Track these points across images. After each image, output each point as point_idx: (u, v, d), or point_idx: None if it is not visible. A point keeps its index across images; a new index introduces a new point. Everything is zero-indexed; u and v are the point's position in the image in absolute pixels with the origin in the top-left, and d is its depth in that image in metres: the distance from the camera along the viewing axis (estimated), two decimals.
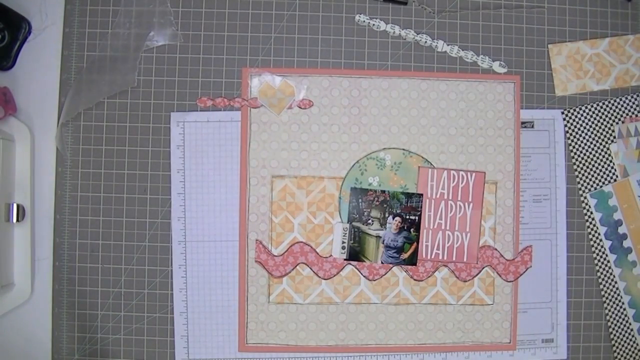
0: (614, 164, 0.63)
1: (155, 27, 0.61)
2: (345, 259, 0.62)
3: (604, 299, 0.63)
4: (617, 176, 0.63)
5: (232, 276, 0.62)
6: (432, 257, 0.62)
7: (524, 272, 0.63)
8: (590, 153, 0.63)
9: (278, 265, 0.61)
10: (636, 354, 0.64)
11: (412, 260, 0.62)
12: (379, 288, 0.62)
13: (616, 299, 0.63)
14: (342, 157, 0.62)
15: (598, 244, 0.63)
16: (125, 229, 0.61)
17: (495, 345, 0.63)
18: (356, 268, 0.62)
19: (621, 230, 0.63)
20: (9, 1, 0.60)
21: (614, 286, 0.63)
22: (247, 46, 0.62)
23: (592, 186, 0.63)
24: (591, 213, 0.63)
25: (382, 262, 0.62)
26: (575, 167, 0.63)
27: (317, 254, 0.62)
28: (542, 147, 0.63)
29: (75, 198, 0.62)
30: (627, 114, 0.63)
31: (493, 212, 0.63)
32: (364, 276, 0.62)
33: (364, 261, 0.62)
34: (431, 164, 0.62)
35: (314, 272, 0.62)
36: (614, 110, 0.63)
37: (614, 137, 0.63)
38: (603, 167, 0.63)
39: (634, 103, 0.63)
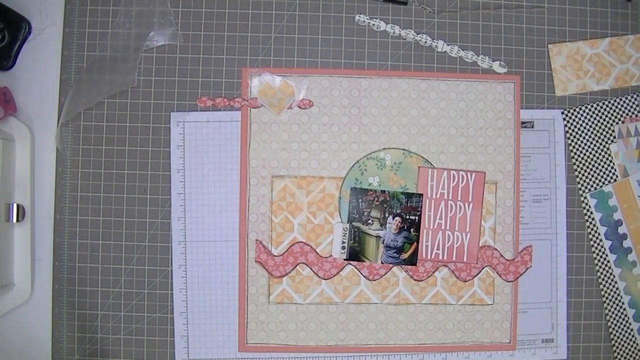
0: (614, 164, 0.63)
1: (155, 27, 0.61)
2: (345, 259, 0.62)
3: (604, 299, 0.63)
4: (617, 176, 0.63)
5: (232, 276, 0.62)
6: (432, 257, 0.62)
7: (524, 272, 0.63)
8: (590, 153, 0.63)
9: (278, 265, 0.61)
10: (636, 354, 0.64)
11: (412, 260, 0.62)
12: (379, 288, 0.62)
13: (616, 299, 0.63)
14: (342, 157, 0.62)
15: (598, 244, 0.63)
16: (125, 229, 0.61)
17: (495, 345, 0.63)
18: (356, 268, 0.62)
19: (621, 230, 0.63)
20: (9, 1, 0.60)
21: (614, 286, 0.63)
22: (247, 46, 0.62)
23: (592, 186, 0.63)
24: (591, 213, 0.63)
25: (382, 262, 0.62)
26: (575, 167, 0.63)
27: (317, 254, 0.62)
28: (542, 147, 0.63)
29: (75, 198, 0.62)
30: (627, 114, 0.63)
31: (493, 212, 0.63)
32: (364, 276, 0.62)
33: (364, 261, 0.62)
34: (431, 164, 0.62)
35: (314, 272, 0.62)
36: (614, 110, 0.63)
37: (614, 137, 0.63)
38: (603, 167, 0.63)
39: (634, 103, 0.63)
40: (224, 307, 0.62)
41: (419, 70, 0.62)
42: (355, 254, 0.62)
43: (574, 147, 0.63)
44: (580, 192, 0.63)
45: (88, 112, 0.61)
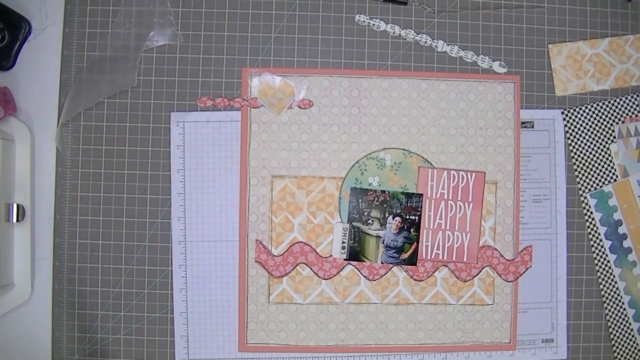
0: (614, 164, 0.63)
1: (155, 27, 0.61)
2: (345, 259, 0.62)
3: (604, 299, 0.63)
4: (617, 176, 0.63)
5: (232, 276, 0.62)
6: (432, 257, 0.62)
7: (524, 272, 0.63)
8: (590, 153, 0.63)
9: (278, 265, 0.61)
10: (636, 354, 0.64)
11: (412, 260, 0.62)
12: (379, 288, 0.62)
13: (616, 299, 0.63)
14: (342, 157, 0.62)
15: (598, 244, 0.63)
16: (125, 229, 0.61)
17: (495, 345, 0.63)
18: (356, 268, 0.62)
19: (621, 230, 0.63)
20: (9, 1, 0.60)
21: (614, 286, 0.63)
22: (247, 46, 0.62)
23: (592, 186, 0.63)
24: (591, 213, 0.63)
25: (382, 262, 0.62)
26: (575, 167, 0.63)
27: (317, 254, 0.62)
28: (542, 147, 0.63)
29: (75, 198, 0.62)
30: (627, 114, 0.63)
31: (493, 212, 0.63)
32: (364, 276, 0.62)
33: (364, 261, 0.62)
34: (431, 164, 0.62)
35: (314, 272, 0.62)
36: (614, 110, 0.63)
37: (614, 137, 0.63)
38: (603, 167, 0.63)
39: (634, 103, 0.63)
40: (224, 307, 0.62)
41: (419, 70, 0.62)
42: (355, 254, 0.62)
43: (574, 147, 0.63)
44: (580, 192, 0.63)
45: (88, 112, 0.61)
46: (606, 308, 0.63)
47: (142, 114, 0.61)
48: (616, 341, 0.64)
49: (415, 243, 0.62)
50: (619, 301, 0.63)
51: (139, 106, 0.61)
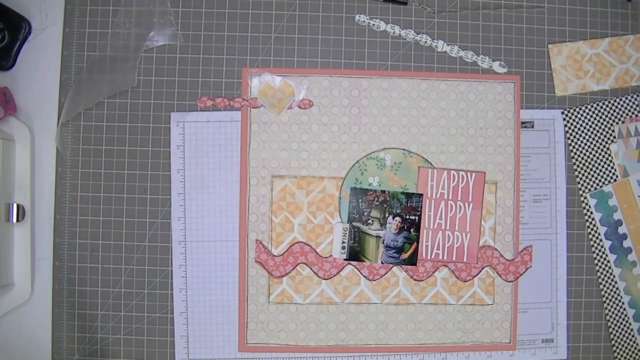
0: (614, 164, 0.63)
1: (155, 27, 0.61)
2: (345, 259, 0.62)
3: (604, 299, 0.63)
4: (617, 176, 0.63)
5: (232, 276, 0.62)
6: (432, 257, 0.62)
7: (524, 272, 0.63)
8: (590, 153, 0.63)
9: (278, 265, 0.61)
10: (636, 354, 0.64)
11: (412, 260, 0.62)
12: (379, 288, 0.62)
13: (616, 299, 0.63)
14: (342, 157, 0.62)
15: (598, 244, 0.63)
16: (125, 229, 0.61)
17: (495, 345, 0.63)
18: (356, 268, 0.62)
19: (621, 230, 0.63)
20: (9, 1, 0.60)
21: (614, 286, 0.63)
22: (247, 46, 0.62)
23: (592, 186, 0.63)
24: (591, 213, 0.63)
25: (382, 262, 0.62)
26: (575, 167, 0.63)
27: (317, 254, 0.62)
28: (542, 147, 0.63)
29: (75, 198, 0.62)
30: (627, 114, 0.63)
31: (493, 212, 0.63)
32: (364, 276, 0.62)
33: (364, 261, 0.62)
34: (431, 164, 0.62)
35: (314, 272, 0.62)
36: (614, 110, 0.63)
37: (614, 137, 0.63)
38: (603, 167, 0.63)
39: (634, 103, 0.63)
40: (224, 307, 0.62)
41: (419, 70, 0.62)
42: (355, 254, 0.62)
43: (574, 147, 0.63)
44: (580, 192, 0.63)
45: (88, 112, 0.61)
46: (606, 308, 0.63)
47: (142, 114, 0.61)
48: (616, 341, 0.64)
49: (415, 243, 0.62)
50: (619, 301, 0.63)
51: (139, 106, 0.61)
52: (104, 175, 0.61)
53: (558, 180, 0.63)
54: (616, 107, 0.63)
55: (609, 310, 0.63)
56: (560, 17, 0.63)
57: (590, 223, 0.64)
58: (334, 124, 0.62)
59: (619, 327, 0.63)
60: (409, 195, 0.62)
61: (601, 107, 0.63)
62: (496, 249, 0.62)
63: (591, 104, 0.63)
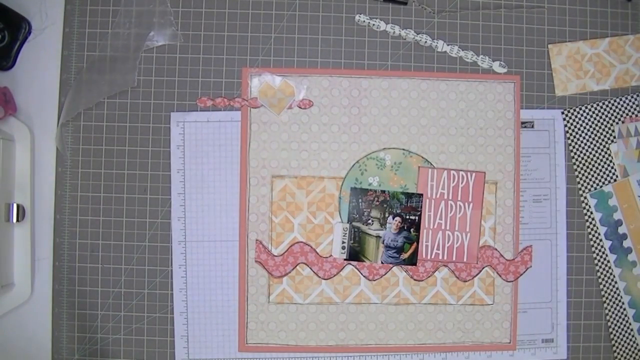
0: (614, 164, 0.63)
1: (155, 27, 0.61)
2: (345, 259, 0.62)
3: (604, 299, 0.63)
4: (617, 176, 0.63)
5: (232, 276, 0.62)
6: (432, 257, 0.62)
7: (524, 272, 0.63)
8: (590, 153, 0.63)
9: (278, 265, 0.61)
10: (636, 354, 0.64)
11: (412, 260, 0.62)
12: (379, 288, 0.62)
13: (616, 299, 0.63)
14: (342, 157, 0.62)
15: (598, 244, 0.63)
16: (125, 229, 0.61)
17: (495, 345, 0.63)
18: (356, 268, 0.62)
19: (621, 230, 0.63)
20: (9, 1, 0.60)
21: (614, 286, 0.63)
22: (247, 46, 0.62)
23: (592, 186, 0.63)
24: (591, 213, 0.63)
25: (382, 262, 0.62)
26: (575, 167, 0.63)
27: (317, 254, 0.62)
28: (542, 147, 0.63)
29: (75, 198, 0.62)
30: (627, 114, 0.63)
31: (493, 212, 0.63)
32: (364, 276, 0.62)
33: (364, 261, 0.62)
34: (431, 164, 0.62)
35: (314, 272, 0.62)
36: (614, 110, 0.63)
37: (614, 137, 0.63)
38: (603, 167, 0.63)
39: (634, 103, 0.63)
40: (224, 307, 0.62)
41: (419, 70, 0.62)
42: (355, 254, 0.62)
43: (574, 147, 0.63)
44: (580, 192, 0.63)
45: (88, 112, 0.61)
46: (606, 308, 0.63)
47: (142, 114, 0.61)
48: (616, 341, 0.64)
49: (415, 243, 0.62)
50: (619, 301, 0.63)
51: (139, 106, 0.61)
52: (104, 175, 0.61)
53: (558, 180, 0.63)
54: (616, 107, 0.63)
55: (609, 310, 0.63)
56: (560, 17, 0.63)
57: (590, 223, 0.64)
58: (334, 124, 0.62)
59: (619, 327, 0.63)
60: (409, 195, 0.62)
61: (601, 107, 0.63)
62: (496, 249, 0.62)
63: (591, 104, 0.63)
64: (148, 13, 0.61)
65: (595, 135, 0.63)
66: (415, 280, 0.62)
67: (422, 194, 0.62)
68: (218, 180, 0.61)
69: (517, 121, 0.63)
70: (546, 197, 0.63)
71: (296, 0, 0.62)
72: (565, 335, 0.63)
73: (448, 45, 0.62)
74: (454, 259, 0.62)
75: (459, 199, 0.62)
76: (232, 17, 0.62)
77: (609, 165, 0.63)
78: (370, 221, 0.61)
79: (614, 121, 0.63)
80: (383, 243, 0.62)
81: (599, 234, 0.63)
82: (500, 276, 0.63)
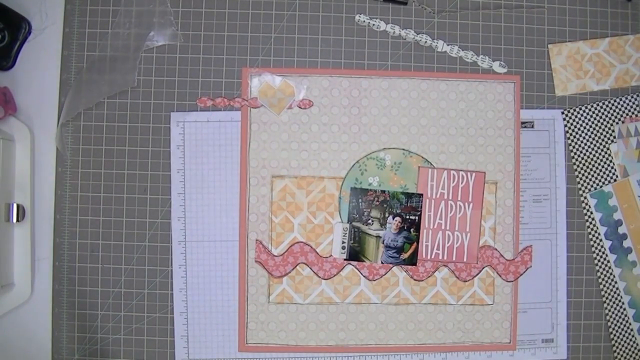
0: (614, 164, 0.63)
1: (155, 27, 0.61)
2: (345, 259, 0.62)
3: (604, 299, 0.63)
4: (617, 176, 0.63)
5: (232, 276, 0.62)
6: (432, 257, 0.62)
7: (524, 272, 0.63)
8: (590, 153, 0.63)
9: (278, 265, 0.61)
10: (636, 354, 0.64)
11: (412, 260, 0.62)
12: (379, 288, 0.62)
13: (616, 299, 0.63)
14: (342, 157, 0.62)
15: (598, 244, 0.63)
16: (125, 229, 0.61)
17: (495, 345, 0.63)
18: (356, 268, 0.62)
19: (621, 230, 0.63)
20: (9, 1, 0.60)
21: (614, 286, 0.63)
22: (247, 46, 0.62)
23: (592, 186, 0.63)
24: (591, 213, 0.63)
25: (382, 262, 0.62)
26: (575, 167, 0.63)
27: (317, 254, 0.62)
28: (542, 147, 0.63)
29: (75, 198, 0.62)
30: (627, 114, 0.63)
31: (493, 212, 0.63)
32: (364, 276, 0.62)
33: (364, 261, 0.62)
34: (431, 164, 0.62)
35: (314, 272, 0.62)
36: (614, 110, 0.63)
37: (614, 137, 0.63)
38: (603, 167, 0.63)
39: (634, 103, 0.63)
40: (224, 307, 0.62)
41: (419, 70, 0.62)
42: (355, 254, 0.62)
43: (574, 147, 0.63)
44: (580, 192, 0.63)
45: (88, 112, 0.61)
46: (606, 308, 0.63)
47: (142, 114, 0.61)
48: (616, 341, 0.64)
49: (415, 243, 0.62)
50: (619, 301, 0.63)
51: (139, 106, 0.61)
52: (104, 175, 0.61)
53: (558, 180, 0.63)
54: (616, 107, 0.63)
55: (609, 310, 0.63)
56: (560, 17, 0.63)
57: (590, 223, 0.64)
58: (334, 124, 0.62)
59: (619, 327, 0.63)
60: (409, 195, 0.62)
61: (601, 107, 0.63)
62: (496, 249, 0.62)
63: (591, 104, 0.63)
64: (148, 13, 0.61)
65: (595, 135, 0.63)
66: (415, 280, 0.62)
67: (422, 194, 0.62)
68: (218, 180, 0.61)
69: (517, 121, 0.63)
70: (546, 197, 0.63)
71: (296, 0, 0.62)
72: (565, 335, 0.63)
73: (448, 45, 0.62)
74: (454, 259, 0.62)
75: (459, 199, 0.62)
76: (232, 17, 0.62)
77: (609, 165, 0.63)
78: (370, 221, 0.61)
79: (614, 121, 0.63)
80: (383, 243, 0.62)
81: (599, 234, 0.63)
82: (500, 276, 0.63)
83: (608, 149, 0.63)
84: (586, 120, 0.63)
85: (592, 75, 0.63)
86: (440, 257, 0.62)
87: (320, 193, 0.62)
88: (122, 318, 0.61)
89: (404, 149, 0.62)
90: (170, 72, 0.61)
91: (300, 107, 0.62)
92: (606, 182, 0.63)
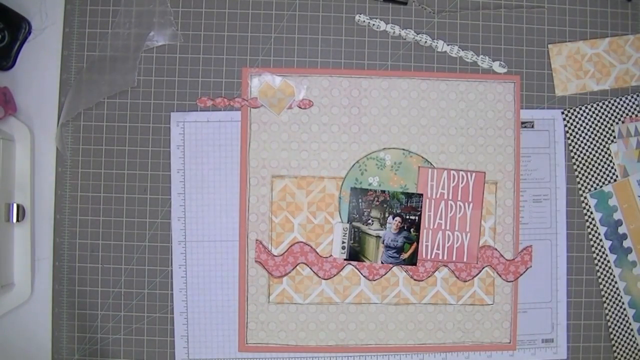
0: (614, 164, 0.63)
1: (155, 27, 0.61)
2: (345, 259, 0.62)
3: (604, 299, 0.63)
4: (617, 176, 0.63)
5: (232, 276, 0.62)
6: (432, 257, 0.62)
7: (524, 272, 0.63)
8: (590, 153, 0.63)
9: (278, 265, 0.61)
10: (636, 354, 0.64)
11: (412, 260, 0.62)
12: (379, 288, 0.62)
13: (616, 299, 0.63)
14: (342, 157, 0.62)
15: (598, 244, 0.63)
16: (125, 229, 0.61)
17: (495, 345, 0.63)
18: (356, 268, 0.62)
19: (621, 230, 0.63)
20: (9, 1, 0.60)
21: (614, 286, 0.63)
22: (247, 46, 0.62)
23: (592, 186, 0.63)
24: (591, 213, 0.63)
25: (382, 262, 0.62)
26: (575, 167, 0.63)
27: (317, 254, 0.62)
28: (542, 147, 0.63)
29: (75, 198, 0.62)
30: (627, 114, 0.63)
31: (493, 212, 0.63)
32: (364, 276, 0.62)
33: (364, 261, 0.62)
34: (431, 164, 0.62)
35: (314, 272, 0.62)
36: (614, 110, 0.63)
37: (614, 137, 0.63)
38: (603, 167, 0.63)
39: (634, 103, 0.63)
40: (224, 307, 0.62)
41: (419, 70, 0.62)
42: (355, 254, 0.62)
43: (574, 147, 0.63)
44: (580, 192, 0.63)
45: (88, 112, 0.61)
46: (606, 308, 0.63)
47: (142, 114, 0.61)
48: (616, 341, 0.64)
49: (415, 243, 0.62)
50: (619, 301, 0.63)
51: (139, 106, 0.61)
52: (104, 175, 0.61)
53: (558, 180, 0.63)
54: (616, 107, 0.63)
55: (609, 310, 0.63)
56: (560, 17, 0.63)
57: (590, 223, 0.64)
58: (334, 124, 0.62)
59: (619, 327, 0.63)
60: (409, 195, 0.62)
61: (601, 107, 0.63)
62: (496, 249, 0.62)
63: (591, 104, 0.63)
64: (148, 13, 0.61)
65: (595, 135, 0.63)
66: (415, 280, 0.62)
67: (422, 194, 0.62)
68: (218, 180, 0.61)
69: (517, 121, 0.63)
70: (546, 197, 0.63)
71: (296, 0, 0.62)
72: (565, 335, 0.63)
73: (448, 45, 0.62)
74: (454, 259, 0.62)
75: (459, 199, 0.62)
76: (232, 17, 0.62)
77: (609, 165, 0.63)
78: (370, 221, 0.61)
79: (614, 121, 0.63)
80: (383, 243, 0.62)
81: (599, 234, 0.63)
82: (500, 276, 0.63)
83: (608, 149, 0.63)
84: (586, 120, 0.63)
85: (592, 75, 0.63)
86: (440, 257, 0.62)
87: (320, 193, 0.62)
88: (122, 318, 0.62)
89: (404, 149, 0.62)
90: (170, 72, 0.61)
91: (300, 107, 0.62)
92: (606, 182, 0.63)
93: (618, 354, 0.64)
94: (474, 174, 0.62)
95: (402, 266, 0.62)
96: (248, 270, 0.61)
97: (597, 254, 0.63)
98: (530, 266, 0.63)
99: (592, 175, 0.63)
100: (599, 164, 0.63)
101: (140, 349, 0.61)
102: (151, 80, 0.61)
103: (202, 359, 0.62)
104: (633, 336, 0.63)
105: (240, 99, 0.61)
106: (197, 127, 0.61)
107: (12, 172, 0.60)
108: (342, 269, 0.62)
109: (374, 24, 0.62)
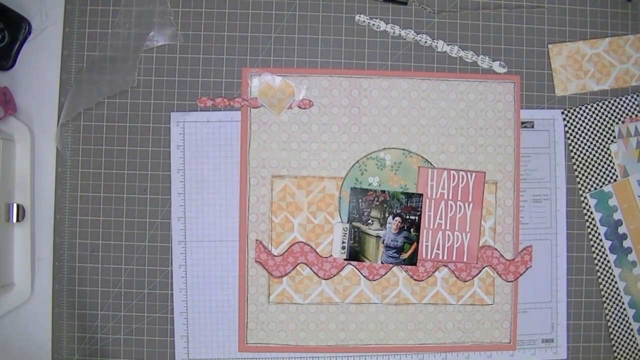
0: (614, 164, 0.63)
1: (155, 27, 0.61)
2: (345, 259, 0.62)
3: (604, 299, 0.63)
4: (617, 176, 0.63)
5: (232, 276, 0.62)
6: (432, 257, 0.62)
7: (524, 272, 0.63)
8: (590, 153, 0.63)
9: (278, 265, 0.61)
10: (636, 354, 0.64)
11: (412, 260, 0.62)
12: (379, 288, 0.62)
13: (616, 299, 0.63)
14: (342, 157, 0.62)
15: (598, 244, 0.63)
16: (125, 229, 0.61)
17: (495, 345, 0.63)
18: (356, 268, 0.62)
19: (621, 230, 0.63)
20: (9, 1, 0.60)
21: (614, 286, 0.63)
22: (247, 46, 0.62)
23: (592, 186, 0.63)
24: (591, 213, 0.63)
25: (382, 262, 0.62)
26: (575, 167, 0.63)
27: (317, 254, 0.62)
28: (542, 147, 0.63)
29: (75, 198, 0.62)
30: (627, 114, 0.63)
31: (493, 212, 0.63)
32: (364, 276, 0.62)
33: (364, 261, 0.62)
34: (431, 164, 0.62)
35: (314, 272, 0.62)
36: (614, 110, 0.63)
37: (614, 137, 0.63)
38: (603, 167, 0.63)
39: (634, 103, 0.63)
40: (224, 307, 0.62)
41: (419, 70, 0.62)
42: (355, 254, 0.62)
43: (574, 147, 0.63)
44: (580, 192, 0.63)
45: (88, 112, 0.61)
46: (606, 308, 0.63)
47: (142, 114, 0.61)
48: (616, 341, 0.64)
49: (415, 243, 0.62)
50: (619, 301, 0.63)
51: (139, 106, 0.61)
52: (104, 175, 0.61)
53: (558, 180, 0.63)
54: (616, 107, 0.63)
55: (609, 310, 0.63)
56: (560, 17, 0.63)
57: (590, 223, 0.64)
58: (334, 124, 0.62)
59: (619, 327, 0.63)
60: (409, 195, 0.62)
61: (601, 107, 0.63)
62: (496, 249, 0.62)
63: (591, 104, 0.63)
64: (148, 13, 0.61)
65: (595, 135, 0.63)
66: (415, 280, 0.62)
67: (422, 194, 0.62)
68: (218, 180, 0.61)
69: (517, 121, 0.63)
70: (546, 197, 0.63)
71: (296, 0, 0.62)
72: (565, 335, 0.63)
73: (448, 45, 0.62)
74: (454, 259, 0.62)
75: (459, 199, 0.62)
76: (232, 17, 0.62)
77: (609, 165, 0.63)
78: (370, 221, 0.61)
79: (614, 121, 0.63)
80: (383, 243, 0.62)
81: (599, 234, 0.63)
82: (500, 276, 0.63)
83: (608, 149, 0.63)
84: (586, 120, 0.63)
85: (592, 75, 0.63)
86: (440, 257, 0.62)
87: (320, 193, 0.62)
88: (122, 318, 0.62)
89: (404, 149, 0.62)
90: (170, 72, 0.61)
91: (300, 107, 0.62)
92: (606, 182, 0.63)
93: (618, 354, 0.64)
94: (474, 174, 0.62)
95: (402, 266, 0.62)
96: (248, 270, 0.61)
97: (597, 254, 0.63)
98: (530, 266, 0.63)
99: (592, 175, 0.63)
100: (599, 164, 0.63)
101: (140, 349, 0.61)
102: (151, 80, 0.61)
103: (202, 359, 0.62)
104: (633, 336, 0.63)
105: (240, 99, 0.61)
106: (197, 127, 0.61)
107: (12, 172, 0.60)
108: (342, 269, 0.62)
109: (374, 24, 0.62)
